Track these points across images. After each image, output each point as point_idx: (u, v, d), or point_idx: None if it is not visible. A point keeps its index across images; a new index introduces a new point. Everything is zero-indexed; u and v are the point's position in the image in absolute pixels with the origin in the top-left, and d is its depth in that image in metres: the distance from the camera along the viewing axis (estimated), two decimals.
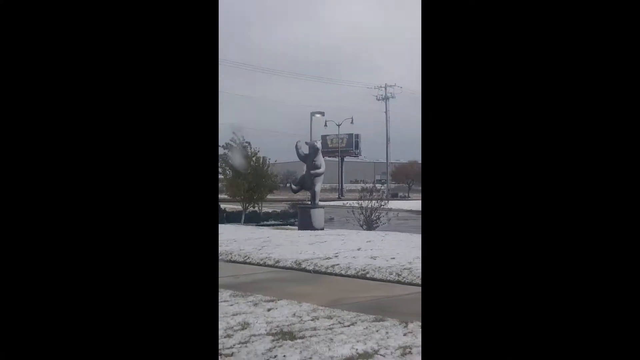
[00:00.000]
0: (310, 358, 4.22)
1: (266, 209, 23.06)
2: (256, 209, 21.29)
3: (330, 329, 5.01)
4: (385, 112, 61.06)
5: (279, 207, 25.31)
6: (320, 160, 16.88)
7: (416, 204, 35.93)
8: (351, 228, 17.48)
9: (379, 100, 61.49)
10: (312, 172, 16.74)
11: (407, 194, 55.87)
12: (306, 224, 16.22)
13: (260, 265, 9.60)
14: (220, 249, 10.74)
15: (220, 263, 9.81)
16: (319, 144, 17.43)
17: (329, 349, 4.43)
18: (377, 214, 17.95)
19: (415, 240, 12.78)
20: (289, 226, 19.08)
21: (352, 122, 55.11)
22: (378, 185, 25.44)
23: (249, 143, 19.70)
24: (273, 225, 19.95)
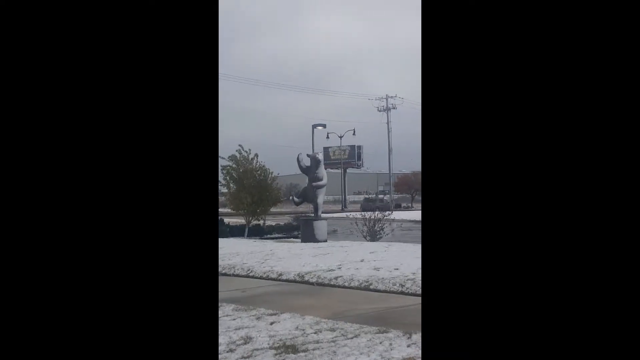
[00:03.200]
0: None
1: (269, 222, 23.04)
2: (260, 222, 21.26)
3: (334, 341, 4.98)
4: (387, 123, 61.14)
5: (282, 220, 25.29)
6: (322, 172, 16.88)
7: (419, 214, 35.93)
8: (355, 239, 17.43)
9: (380, 111, 61.59)
10: (314, 184, 16.74)
11: (410, 204, 55.78)
12: (309, 236, 16.19)
13: (264, 278, 9.56)
14: (222, 262, 10.71)
15: (223, 277, 9.79)
16: (320, 156, 17.44)
17: None
18: (380, 225, 17.91)
19: (419, 250, 12.73)
20: (292, 239, 19.05)
21: (354, 134, 55.15)
22: (381, 196, 25.43)
23: (257, 155, 19.71)
24: (276, 238, 19.91)
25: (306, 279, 9.10)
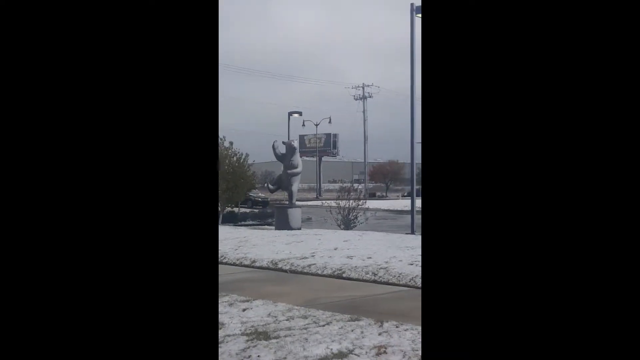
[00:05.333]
0: (285, 358, 4.19)
1: (244, 209, 22.95)
2: (234, 209, 21.17)
3: (305, 328, 5.00)
4: (363, 112, 61.21)
5: (256, 207, 25.22)
6: (297, 159, 16.84)
7: (394, 203, 36.09)
8: (329, 227, 17.48)
9: (356, 99, 61.63)
10: (289, 171, 16.70)
11: (384, 194, 56.01)
12: (283, 224, 16.17)
13: (237, 265, 9.55)
14: None
15: None
16: (296, 144, 17.41)
17: (304, 349, 4.41)
18: (354, 214, 17.98)
19: (392, 239, 12.84)
20: (266, 226, 19.03)
21: (330, 122, 55.07)
22: (356, 185, 25.53)
23: (232, 143, 19.56)
24: (250, 225, 19.86)
25: (279, 266, 9.11)
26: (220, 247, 11.20)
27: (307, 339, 4.67)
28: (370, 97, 61.46)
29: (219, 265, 9.50)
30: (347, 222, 18.15)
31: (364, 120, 60.97)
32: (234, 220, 20.43)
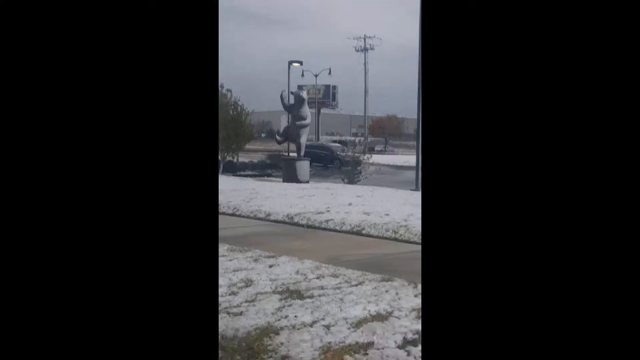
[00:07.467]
0: (323, 319, 4.04)
1: (242, 159, 22.69)
2: (233, 159, 20.99)
3: (338, 288, 4.84)
4: (364, 64, 60.37)
5: (255, 158, 24.88)
6: (306, 111, 16.55)
7: (393, 159, 35.89)
8: (334, 181, 17.32)
9: (357, 51, 60.66)
10: (297, 123, 16.41)
11: (384, 148, 55.75)
12: (291, 177, 15.99)
13: (251, 218, 9.39)
14: None
15: None
16: (304, 94, 17.02)
17: (340, 310, 4.26)
18: (359, 168, 17.82)
19: (404, 196, 12.70)
20: (266, 177, 18.86)
21: (329, 73, 54.20)
22: (359, 139, 25.27)
23: (230, 91, 19.20)
24: (250, 176, 19.68)
25: (296, 220, 8.95)
26: (230, 199, 11.03)
27: (342, 299, 4.51)
28: (371, 49, 60.52)
29: (233, 218, 9.35)
30: (351, 176, 18.00)
31: (365, 73, 60.17)
32: (233, 169, 20.16)
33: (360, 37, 60.32)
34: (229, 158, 20.47)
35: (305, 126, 16.52)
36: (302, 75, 53.26)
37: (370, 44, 60.21)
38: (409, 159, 37.52)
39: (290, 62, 52.34)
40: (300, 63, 52.59)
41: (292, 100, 16.69)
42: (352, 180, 17.86)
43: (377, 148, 53.71)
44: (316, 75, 54.27)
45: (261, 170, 21.45)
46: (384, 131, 61.06)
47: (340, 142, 42.96)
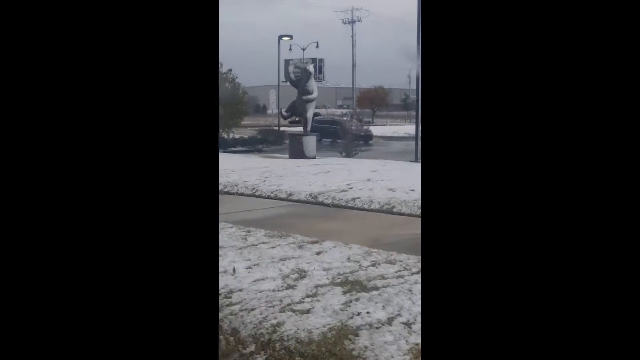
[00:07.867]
0: (399, 314, 3.69)
1: (233, 134, 22.19)
2: (228, 136, 20.55)
3: (401, 276, 4.49)
4: (352, 36, 59.58)
5: (245, 134, 24.30)
6: (313, 85, 16.06)
7: (382, 130, 35.41)
8: (332, 155, 16.97)
9: (345, 24, 59.88)
10: (303, 97, 15.94)
11: (371, 120, 55.18)
12: (298, 152, 15.56)
13: (272, 198, 8.99)
14: (221, 179, 10.05)
15: (228, 196, 9.18)
16: (311, 68, 16.50)
17: (413, 303, 3.91)
18: (370, 142, 17.48)
19: (417, 169, 12.36)
20: (255, 152, 18.47)
21: (317, 47, 53.31)
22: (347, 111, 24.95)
23: (230, 70, 18.71)
24: (241, 152, 19.23)
25: (320, 200, 8.57)
26: (245, 178, 10.64)
27: (410, 290, 4.16)
28: (359, 21, 59.77)
29: (253, 199, 8.96)
30: (349, 149, 17.68)
31: (353, 45, 59.38)
32: (225, 146, 19.59)
33: (347, 10, 59.57)
34: (223, 135, 20.06)
35: (311, 100, 16.04)
36: (290, 49, 52.38)
37: (357, 16, 59.47)
38: (397, 129, 37.21)
39: (280, 37, 51.44)
40: (291, 37, 51.79)
41: (292, 76, 16.18)
42: (349, 154, 17.55)
43: (365, 119, 53.21)
44: (304, 49, 53.39)
45: (252, 146, 20.98)
46: (371, 102, 60.43)
47: (334, 115, 42.44)
